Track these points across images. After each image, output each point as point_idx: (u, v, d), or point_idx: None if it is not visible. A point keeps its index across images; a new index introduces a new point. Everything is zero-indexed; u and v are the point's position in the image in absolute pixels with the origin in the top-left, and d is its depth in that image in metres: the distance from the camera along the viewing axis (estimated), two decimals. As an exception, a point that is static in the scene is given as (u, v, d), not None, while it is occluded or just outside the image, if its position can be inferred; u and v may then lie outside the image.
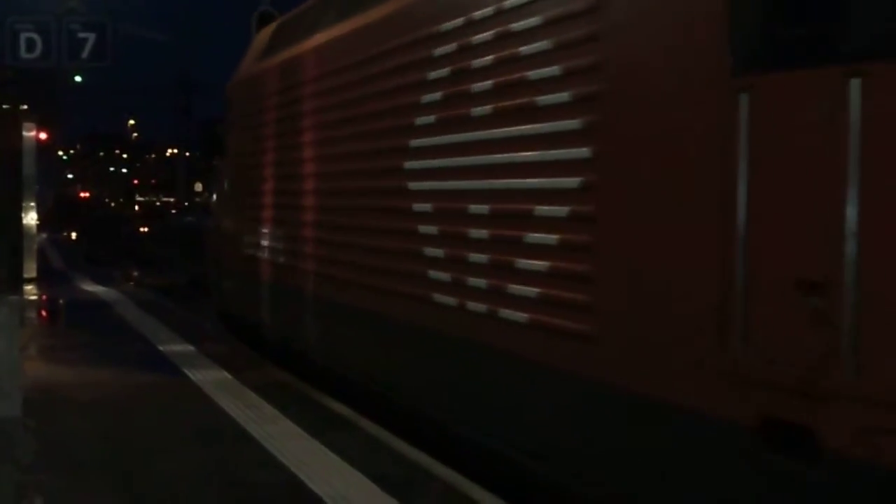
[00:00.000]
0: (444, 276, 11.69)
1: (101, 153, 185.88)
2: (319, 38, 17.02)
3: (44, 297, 32.55)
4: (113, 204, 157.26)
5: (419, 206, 12.42)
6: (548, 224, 9.72)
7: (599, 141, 8.95)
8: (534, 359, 9.81)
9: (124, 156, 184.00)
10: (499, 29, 10.77)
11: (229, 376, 17.24)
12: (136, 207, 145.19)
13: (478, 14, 11.17)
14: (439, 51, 12.09)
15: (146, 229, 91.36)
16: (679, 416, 7.63)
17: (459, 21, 11.62)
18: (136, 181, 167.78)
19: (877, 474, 6.10)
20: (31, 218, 36.71)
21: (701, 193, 7.66)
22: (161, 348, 20.58)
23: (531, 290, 9.95)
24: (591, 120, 9.10)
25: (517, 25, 10.41)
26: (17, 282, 29.91)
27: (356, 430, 13.64)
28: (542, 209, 9.80)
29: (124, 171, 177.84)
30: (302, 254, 17.12)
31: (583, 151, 9.17)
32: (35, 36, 20.74)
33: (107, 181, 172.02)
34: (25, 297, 30.45)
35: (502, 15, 10.67)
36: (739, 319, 7.16)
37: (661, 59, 8.16)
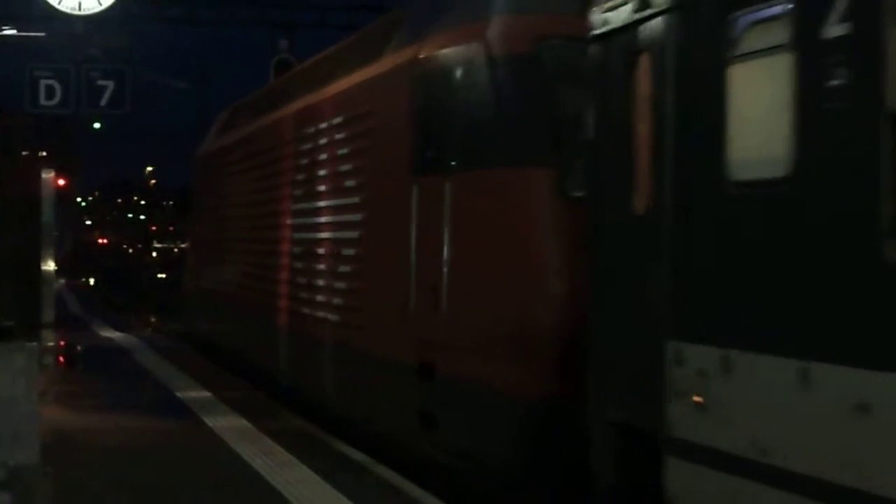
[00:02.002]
0: (305, 295, 18.22)
1: (120, 200, 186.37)
2: (241, 132, 24.67)
3: (62, 343, 32.62)
4: (131, 250, 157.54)
5: (290, 250, 19.27)
6: (346, 259, 16.25)
7: (363, 209, 15.60)
8: (341, 343, 16.27)
9: (142, 202, 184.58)
10: (329, 137, 17.33)
11: (246, 422, 17.28)
12: (154, 254, 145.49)
13: (322, 125, 17.70)
14: (302, 147, 18.78)
15: (164, 275, 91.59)
16: (395, 364, 13.84)
17: (312, 128, 18.27)
18: (154, 227, 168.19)
19: (457, 383, 12.19)
20: (49, 264, 36.81)
21: (398, 241, 13.79)
22: (179, 394, 20.63)
23: (338, 301, 16.44)
24: (362, 196, 15.67)
25: (337, 136, 16.95)
26: (35, 328, 29.96)
27: (370, 475, 13.67)
28: (345, 251, 16.32)
29: (142, 217, 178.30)
30: (230, 284, 24.75)
31: (357, 216, 15.81)
32: (54, 83, 20.84)
33: (125, 227, 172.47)
34: (43, 343, 30.50)
35: (331, 129, 17.21)
36: (412, 310, 13.37)
37: (388, 163, 14.60)
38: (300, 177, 18.72)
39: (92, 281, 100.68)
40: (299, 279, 18.55)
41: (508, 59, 11.90)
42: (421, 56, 13.63)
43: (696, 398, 8.15)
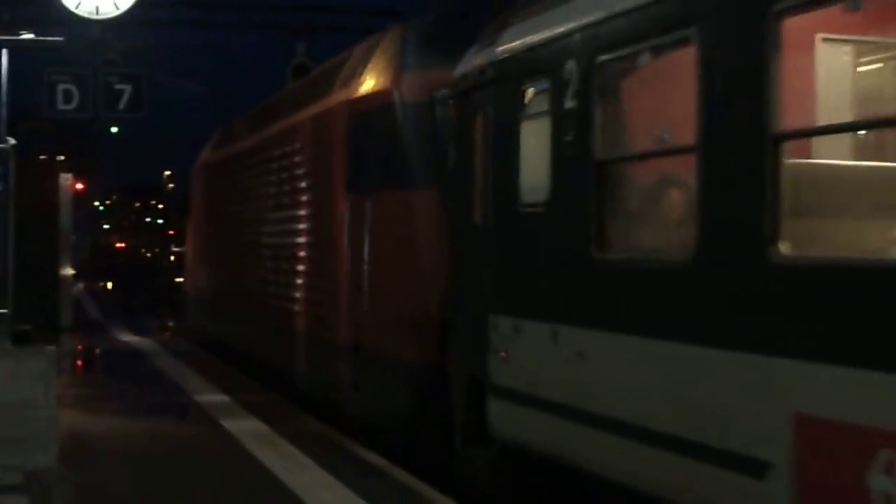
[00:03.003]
0: (272, 291, 22.21)
1: (137, 204, 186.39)
2: (227, 150, 28.91)
3: (80, 346, 32.71)
4: (149, 254, 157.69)
5: (264, 253, 23.26)
6: (302, 261, 19.92)
7: (315, 220, 19.27)
8: (300, 330, 19.86)
9: (160, 206, 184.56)
10: (290, 160, 21.04)
11: (264, 426, 17.29)
12: (172, 258, 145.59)
13: (286, 149, 21.44)
14: (273, 166, 22.56)
15: (182, 279, 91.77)
16: (338, 344, 17.22)
17: (279, 151, 21.96)
18: (171, 231, 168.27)
19: (373, 356, 15.79)
20: (67, 268, 36.88)
21: (338, 246, 17.38)
22: (197, 398, 20.66)
23: (296, 295, 20.16)
24: (313, 209, 19.37)
25: (296, 159, 20.61)
26: (54, 331, 30.05)
27: (388, 479, 13.67)
28: (301, 253, 19.99)
29: (160, 221, 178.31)
30: (240, 294, 26.43)
31: (310, 225, 19.52)
32: (72, 87, 20.85)
33: (143, 231, 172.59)
34: (62, 346, 30.59)
35: (293, 152, 20.93)
36: (346, 300, 16.83)
37: (330, 182, 18.08)
38: (271, 191, 22.78)
39: (110, 285, 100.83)
40: (269, 277, 22.67)
41: (410, 106, 15.42)
42: (352, 98, 17.27)
43: (502, 353, 11.57)
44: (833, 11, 7.96)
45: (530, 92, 11.49)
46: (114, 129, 50.16)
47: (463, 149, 13.16)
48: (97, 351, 32.37)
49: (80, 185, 59.28)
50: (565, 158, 10.54)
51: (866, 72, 9.35)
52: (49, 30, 24.87)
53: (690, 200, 8.73)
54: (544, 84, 11.06)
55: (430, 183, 14.83)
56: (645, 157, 10.11)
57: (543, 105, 11.03)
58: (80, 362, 29.55)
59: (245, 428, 17.14)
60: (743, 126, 8.02)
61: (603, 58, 9.96)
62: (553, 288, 10.81)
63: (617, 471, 9.57)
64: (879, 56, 9.36)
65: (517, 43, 11.82)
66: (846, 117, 9.05)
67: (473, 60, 12.86)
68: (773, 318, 7.68)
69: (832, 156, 8.65)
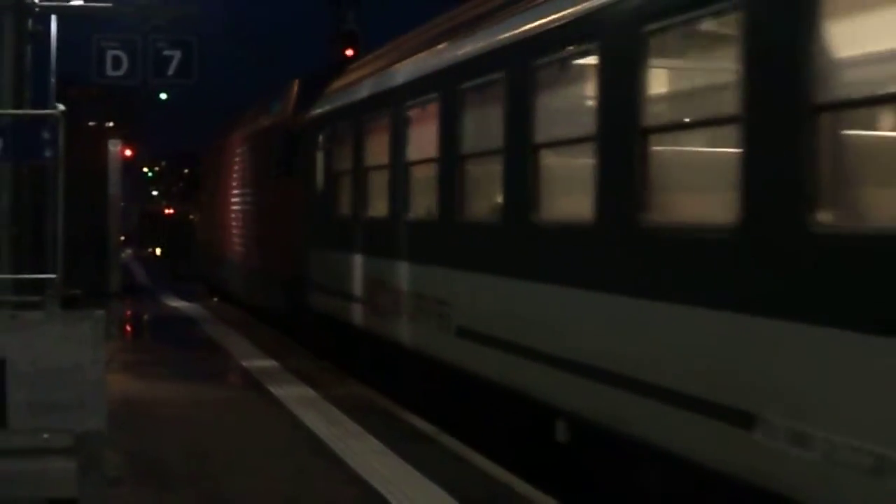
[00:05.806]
0: (235, 240, 34.10)
1: (186, 170, 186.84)
2: (218, 141, 39.54)
3: (128, 312, 32.84)
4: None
5: (232, 216, 34.10)
6: (248, 219, 32.11)
7: (257, 194, 30.76)
8: (247, 266, 32.20)
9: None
10: (249, 153, 32.27)
11: (312, 392, 17.29)
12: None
13: (248, 146, 32.22)
14: (240, 156, 33.39)
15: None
16: (258, 271, 30.09)
17: (244, 147, 32.75)
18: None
19: (271, 274, 28.75)
20: (116, 234, 36.99)
21: (266, 211, 29.43)
22: (245, 364, 20.69)
23: (250, 244, 31.75)
24: (256, 187, 31.00)
25: (251, 154, 31.78)
26: (103, 296, 30.18)
27: (437, 445, 13.62)
28: (251, 216, 31.52)
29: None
30: (219, 243, 37.76)
31: (250, 198, 31.72)
32: (121, 53, 20.82)
33: (191, 198, 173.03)
34: (110, 311, 30.70)
35: (249, 149, 32.16)
36: (262, 244, 29.83)
37: (264, 171, 29.42)
38: (235, 175, 33.99)
39: (158, 251, 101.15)
40: (233, 232, 34.15)
41: (295, 132, 25.02)
42: (270, 124, 28.48)
43: (315, 264, 22.13)
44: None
45: (319, 137, 22.06)
46: (163, 96, 50.07)
47: (306, 160, 23.24)
48: (145, 316, 32.49)
49: (128, 152, 59.47)
50: (328, 171, 21.26)
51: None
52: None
53: (359, 195, 18.91)
54: (321, 135, 21.96)
55: (300, 174, 24.00)
56: (345, 174, 19.93)
57: (322, 145, 21.81)
58: (128, 327, 29.66)
59: (293, 394, 17.15)
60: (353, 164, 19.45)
61: (338, 124, 20.55)
62: (323, 233, 21.57)
63: (351, 319, 19.22)
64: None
65: (316, 109, 22.67)
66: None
67: (308, 113, 23.34)
68: (391, 244, 16.98)
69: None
